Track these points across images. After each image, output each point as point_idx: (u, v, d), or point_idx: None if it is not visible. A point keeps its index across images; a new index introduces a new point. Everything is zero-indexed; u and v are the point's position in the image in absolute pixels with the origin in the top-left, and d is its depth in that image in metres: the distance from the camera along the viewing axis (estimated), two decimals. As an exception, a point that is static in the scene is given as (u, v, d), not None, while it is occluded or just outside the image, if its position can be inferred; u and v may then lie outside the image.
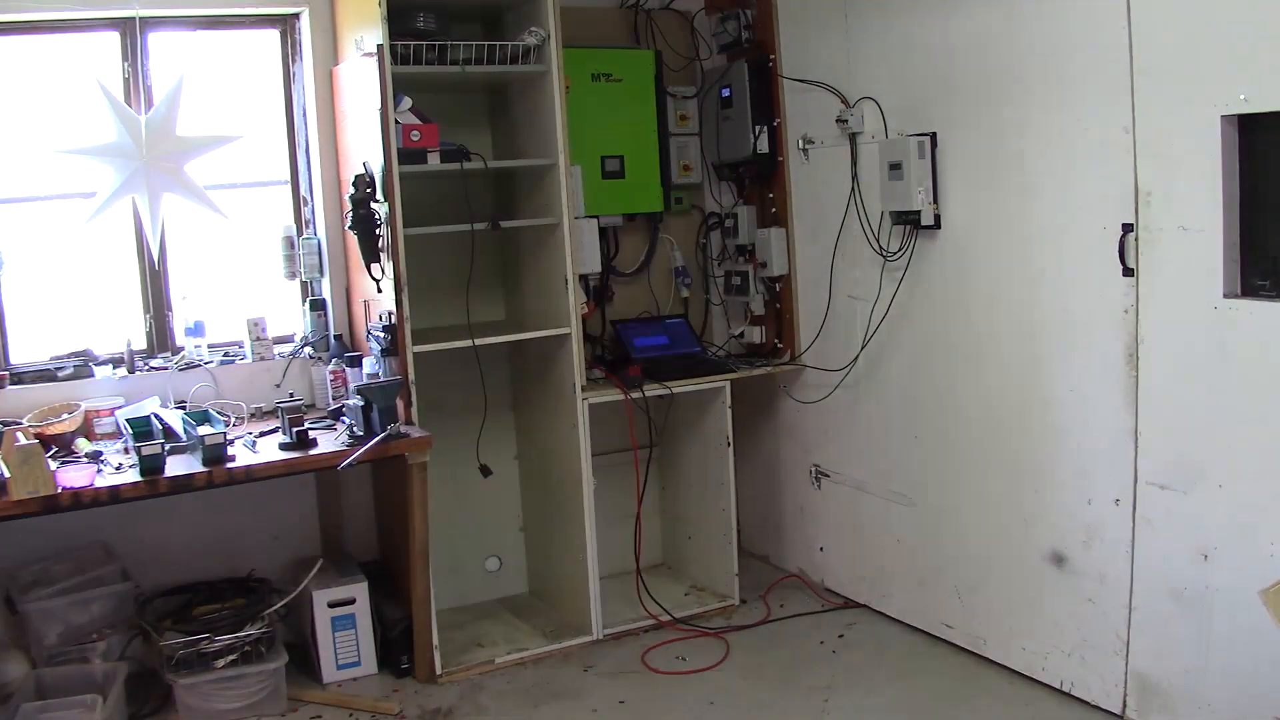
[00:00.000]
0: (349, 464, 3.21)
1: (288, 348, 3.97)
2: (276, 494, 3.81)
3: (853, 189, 3.77)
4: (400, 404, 3.41)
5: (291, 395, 3.73)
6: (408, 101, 3.45)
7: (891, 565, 3.85)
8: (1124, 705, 3.01)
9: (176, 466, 3.13)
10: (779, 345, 4.23)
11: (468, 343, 3.65)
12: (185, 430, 3.30)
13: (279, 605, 3.45)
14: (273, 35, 3.96)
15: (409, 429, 3.39)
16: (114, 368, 3.70)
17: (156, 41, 3.76)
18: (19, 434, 3.16)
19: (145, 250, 3.77)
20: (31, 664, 3.31)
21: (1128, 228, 2.85)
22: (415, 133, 3.44)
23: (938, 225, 3.46)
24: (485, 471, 3.72)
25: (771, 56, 4.09)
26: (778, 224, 4.15)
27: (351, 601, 3.59)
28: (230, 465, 3.15)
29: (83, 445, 3.37)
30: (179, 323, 3.86)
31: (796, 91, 4.01)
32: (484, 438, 4.22)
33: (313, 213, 4.02)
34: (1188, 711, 2.83)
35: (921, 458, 3.66)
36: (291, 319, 4.05)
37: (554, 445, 3.94)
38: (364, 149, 3.58)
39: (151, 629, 3.33)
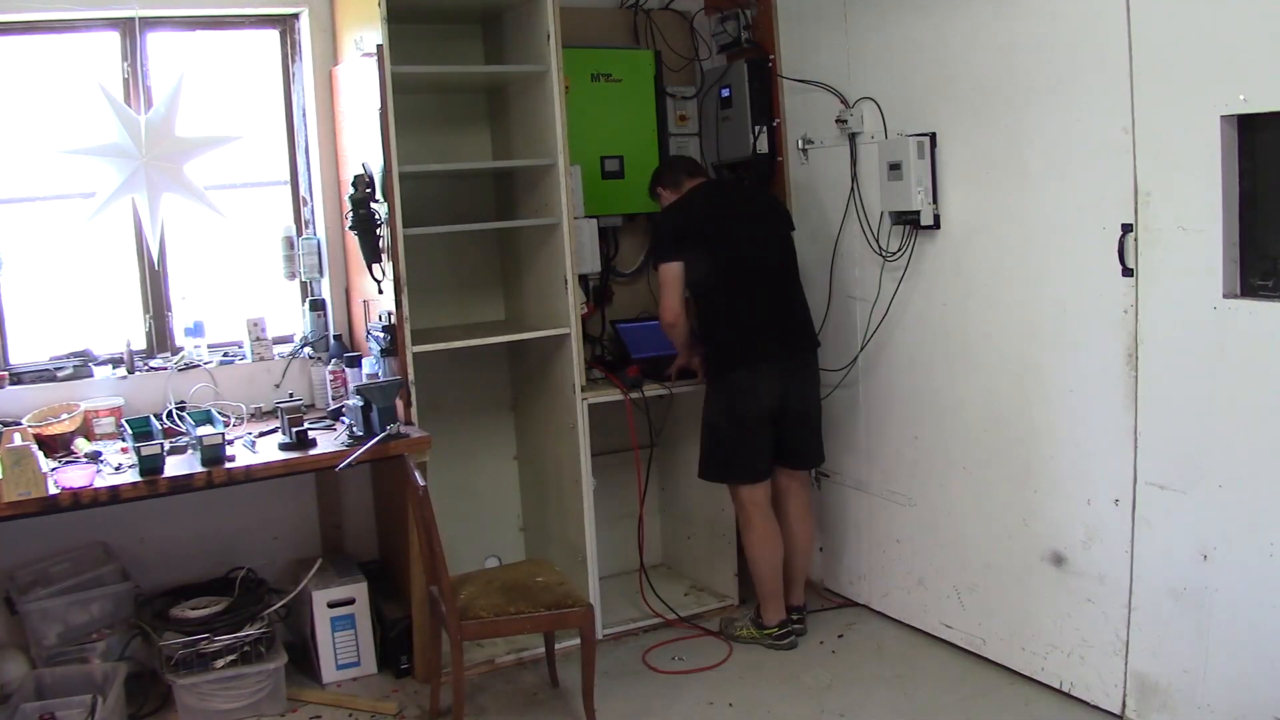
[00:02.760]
0: (348, 464, 3.21)
1: (287, 348, 3.96)
2: (276, 494, 3.81)
3: (852, 189, 3.77)
4: (400, 404, 3.41)
5: (291, 395, 3.73)
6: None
7: (891, 565, 3.85)
8: (1124, 705, 3.02)
9: (176, 467, 3.13)
10: (779, 345, 4.24)
11: (468, 343, 3.65)
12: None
13: (279, 605, 3.45)
14: (272, 35, 3.96)
15: (409, 429, 3.39)
16: (114, 368, 3.70)
17: (156, 41, 3.76)
18: (15, 434, 3.16)
19: (145, 250, 3.77)
20: (31, 664, 3.31)
21: (1127, 228, 2.85)
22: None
23: (937, 225, 3.46)
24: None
25: (771, 57, 4.09)
26: (777, 224, 4.16)
27: (351, 601, 3.59)
28: (230, 465, 3.15)
29: (82, 445, 3.37)
30: (179, 323, 3.86)
31: (796, 91, 4.01)
32: (484, 438, 4.24)
33: (312, 213, 4.02)
34: (1188, 711, 2.83)
35: (921, 458, 3.66)
36: (291, 319, 4.05)
37: (554, 445, 3.94)
38: (363, 149, 3.58)
39: (151, 629, 3.33)
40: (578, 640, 3.21)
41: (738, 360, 3.61)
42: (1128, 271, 2.87)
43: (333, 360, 3.83)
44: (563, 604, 3.17)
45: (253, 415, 3.78)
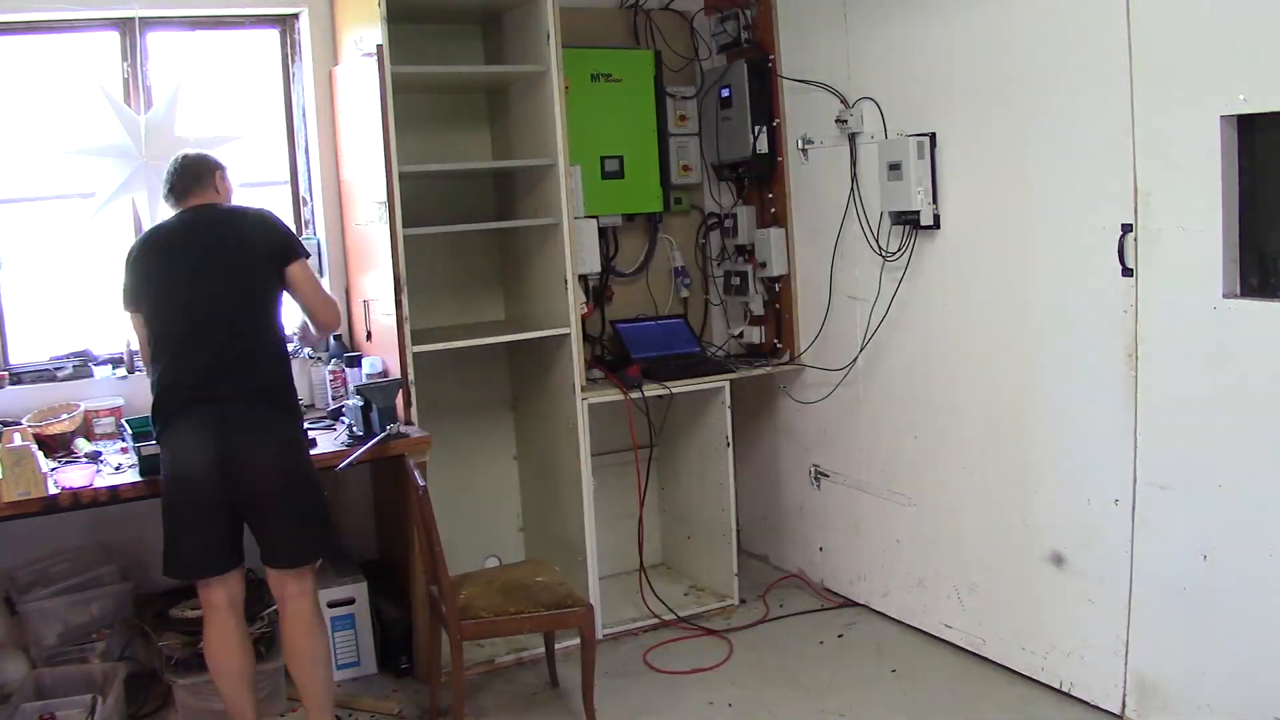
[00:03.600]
0: (348, 464, 3.21)
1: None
2: (276, 494, 3.80)
3: (852, 189, 3.77)
4: (400, 404, 3.41)
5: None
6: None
7: (891, 565, 3.85)
8: (1124, 705, 3.02)
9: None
10: (778, 345, 4.23)
11: (468, 343, 3.65)
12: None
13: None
14: (272, 35, 3.96)
15: (409, 429, 3.39)
16: (114, 368, 3.70)
17: (156, 41, 3.75)
18: (15, 434, 3.15)
19: (145, 250, 3.76)
20: (31, 664, 3.31)
21: (1127, 228, 2.85)
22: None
23: (937, 225, 3.46)
24: None
25: (771, 57, 4.09)
26: (777, 224, 4.15)
27: (351, 601, 3.59)
28: (230, 465, 3.14)
29: (82, 445, 3.37)
30: (179, 323, 3.85)
31: (796, 91, 4.01)
32: (483, 437, 4.24)
33: (312, 213, 4.02)
34: (1188, 711, 2.83)
35: (921, 458, 3.66)
36: (291, 319, 4.04)
37: (553, 445, 3.94)
38: (363, 149, 3.57)
39: (151, 629, 3.33)
40: (578, 640, 3.21)
41: (157, 416, 2.92)
42: (1128, 271, 2.87)
43: (333, 360, 3.83)
44: (563, 604, 3.17)
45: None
